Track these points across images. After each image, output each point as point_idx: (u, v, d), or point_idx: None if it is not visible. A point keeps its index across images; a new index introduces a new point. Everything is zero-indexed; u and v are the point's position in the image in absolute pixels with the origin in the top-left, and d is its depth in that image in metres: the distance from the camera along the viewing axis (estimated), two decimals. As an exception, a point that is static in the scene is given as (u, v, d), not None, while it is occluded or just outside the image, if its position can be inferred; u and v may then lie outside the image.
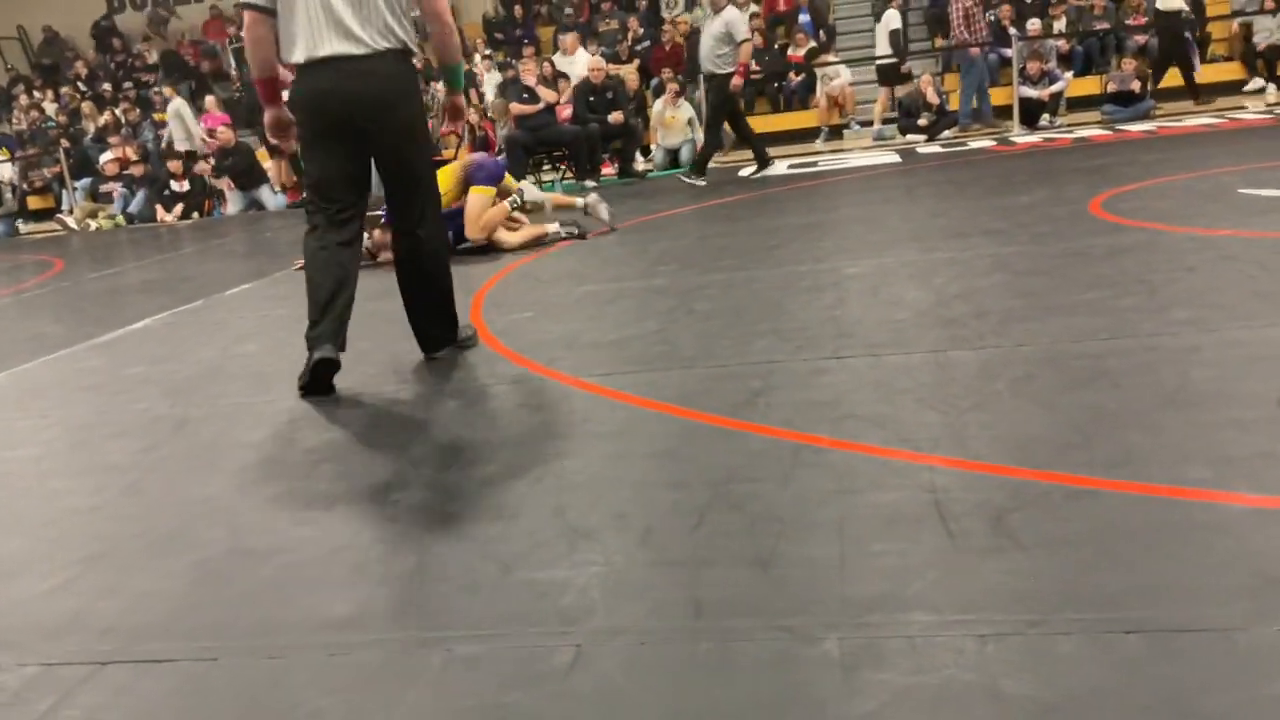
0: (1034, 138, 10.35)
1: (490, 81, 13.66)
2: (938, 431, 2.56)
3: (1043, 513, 2.06)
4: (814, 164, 10.30)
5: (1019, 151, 9.28)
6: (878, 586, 1.85)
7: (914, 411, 2.74)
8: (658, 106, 12.15)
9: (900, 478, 2.30)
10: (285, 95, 3.73)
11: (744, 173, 9.95)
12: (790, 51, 13.74)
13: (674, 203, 8.26)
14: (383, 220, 6.22)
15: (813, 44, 13.58)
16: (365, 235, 6.08)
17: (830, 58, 13.39)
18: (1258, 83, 11.94)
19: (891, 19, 12.43)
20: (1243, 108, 10.96)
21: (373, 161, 3.68)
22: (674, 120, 11.93)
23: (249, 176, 13.03)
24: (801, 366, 3.25)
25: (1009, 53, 12.06)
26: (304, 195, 3.73)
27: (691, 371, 3.34)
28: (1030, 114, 11.41)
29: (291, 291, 5.75)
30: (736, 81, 8.87)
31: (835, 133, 12.94)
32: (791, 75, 13.45)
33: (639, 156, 11.73)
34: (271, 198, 12.96)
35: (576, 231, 6.67)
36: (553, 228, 6.71)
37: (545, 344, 3.96)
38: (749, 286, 4.58)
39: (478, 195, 6.37)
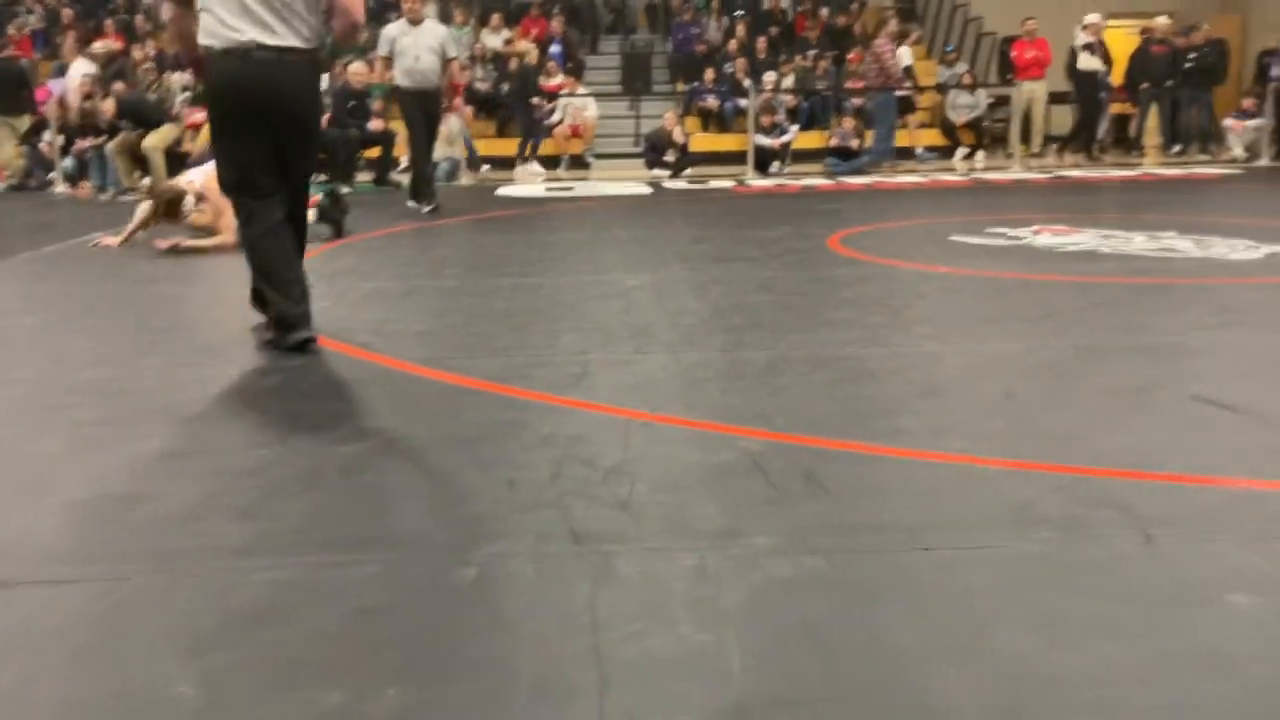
0: (768, 182, 11.31)
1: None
2: (742, 411, 2.99)
3: (843, 469, 2.51)
4: (569, 188, 10.76)
5: (756, 193, 10.15)
6: (720, 522, 2.22)
7: (719, 397, 3.16)
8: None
9: (723, 445, 2.70)
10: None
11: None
12: (541, 81, 14.21)
13: (435, 213, 8.43)
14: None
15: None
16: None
17: (580, 89, 13.97)
18: (964, 150, 13.53)
19: None
20: (951, 169, 12.43)
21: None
22: (441, 132, 12.04)
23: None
24: (611, 358, 3.61)
25: (745, 103, 13.08)
26: (226, 185, 3.83)
27: (511, 359, 3.62)
28: (763, 161, 12.42)
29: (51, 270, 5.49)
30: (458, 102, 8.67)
31: (577, 162, 13.46)
32: (545, 103, 13.91)
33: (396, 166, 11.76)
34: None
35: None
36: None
37: (352, 330, 4.10)
38: (540, 291, 4.90)
39: None
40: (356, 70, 11.16)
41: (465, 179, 11.64)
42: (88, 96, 11.24)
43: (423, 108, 8.29)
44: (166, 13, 3.68)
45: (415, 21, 8.16)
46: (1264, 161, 12.12)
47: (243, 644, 1.75)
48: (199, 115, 10.71)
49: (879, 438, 2.74)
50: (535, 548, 2.10)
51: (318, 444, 2.78)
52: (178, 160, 10.28)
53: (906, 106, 13.39)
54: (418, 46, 8.20)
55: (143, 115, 10.48)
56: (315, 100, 3.89)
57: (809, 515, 2.24)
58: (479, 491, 2.41)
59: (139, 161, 10.42)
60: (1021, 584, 1.92)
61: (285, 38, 3.65)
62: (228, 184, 3.81)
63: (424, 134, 8.45)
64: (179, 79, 12.33)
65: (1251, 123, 12.61)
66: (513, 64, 13.84)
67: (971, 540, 2.10)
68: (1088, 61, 12.76)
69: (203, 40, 3.67)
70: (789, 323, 4.14)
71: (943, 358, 3.56)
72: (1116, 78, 13.19)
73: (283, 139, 3.75)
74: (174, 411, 3.08)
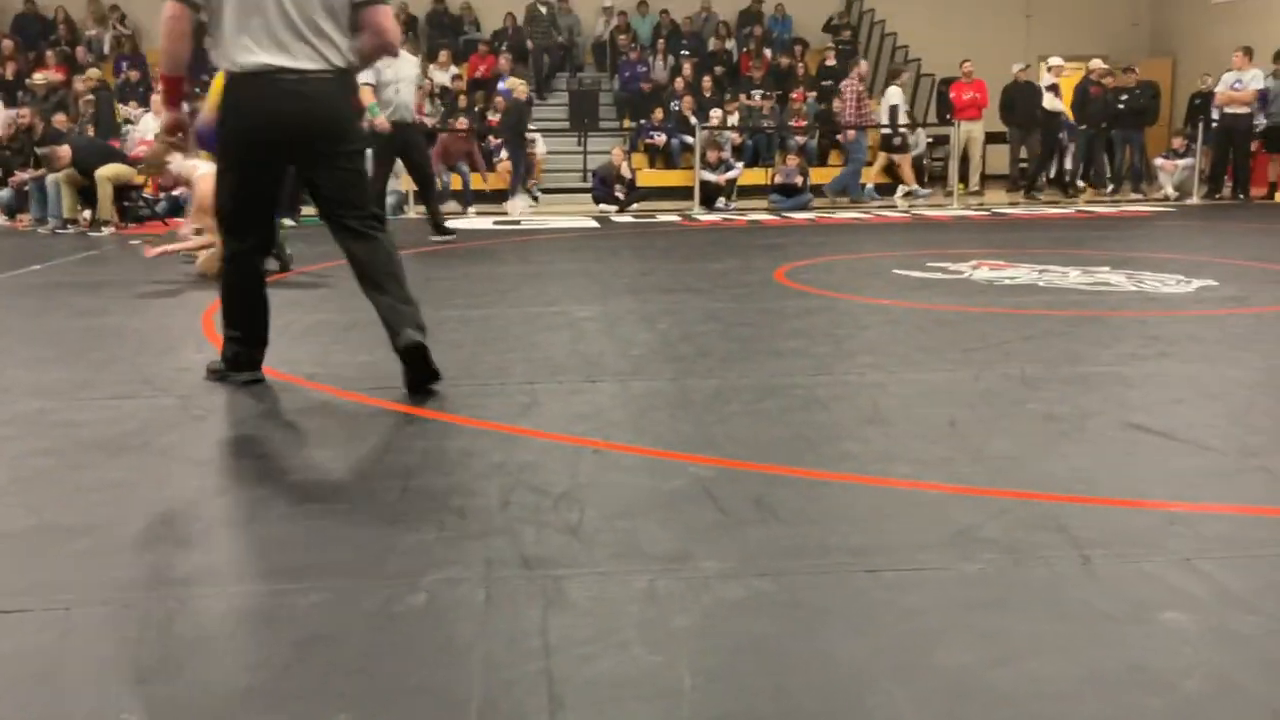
0: (714, 217, 11.43)
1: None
2: (692, 439, 3.02)
3: (792, 495, 2.54)
4: (517, 222, 10.79)
5: (703, 228, 10.25)
6: (671, 546, 2.24)
7: (669, 424, 3.19)
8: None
9: (673, 471, 2.72)
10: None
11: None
12: (489, 116, 14.27)
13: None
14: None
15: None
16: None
17: (529, 125, 14.04)
18: (903, 189, 13.78)
19: None
20: (893, 206, 12.64)
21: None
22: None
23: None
24: (560, 388, 3.62)
25: (691, 140, 13.24)
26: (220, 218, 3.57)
27: (459, 389, 3.61)
28: (709, 196, 12.56)
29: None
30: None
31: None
32: (491, 139, 13.96)
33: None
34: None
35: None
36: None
37: (296, 361, 4.07)
38: (489, 323, 4.91)
39: None
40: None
41: (412, 212, 11.62)
42: (28, 129, 11.08)
43: (401, 139, 8.31)
44: (167, 10, 3.30)
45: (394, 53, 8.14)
46: (1194, 200, 12.50)
47: (189, 673, 1.73)
48: (141, 149, 10.60)
49: (826, 464, 2.78)
50: (486, 574, 2.10)
51: (263, 474, 2.76)
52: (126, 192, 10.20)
53: (897, 145, 13.43)
54: (399, 78, 8.26)
55: (100, 163, 10.24)
56: (347, 126, 3.52)
57: (759, 539, 2.26)
58: (428, 519, 2.40)
59: (84, 194, 10.25)
60: (965, 604, 1.96)
61: (311, 61, 3.33)
62: (221, 216, 3.57)
63: (390, 167, 8.63)
64: (130, 111, 12.22)
65: (1181, 162, 13.02)
66: (498, 101, 13.90)
67: (916, 562, 2.14)
68: (1052, 102, 13.16)
69: (219, 61, 3.41)
70: (737, 352, 4.18)
71: (887, 386, 3.63)
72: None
73: (309, 173, 3.50)
74: (116, 443, 3.04)
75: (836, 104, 13.12)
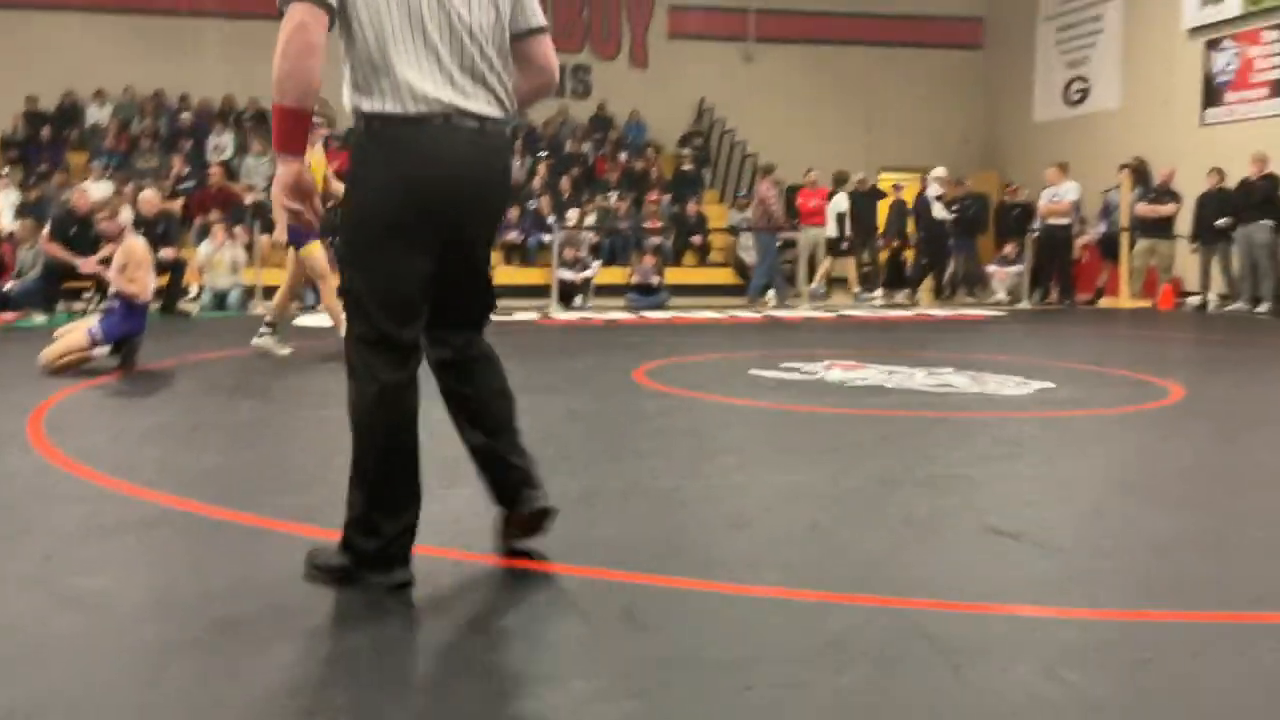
0: (572, 316, 11.47)
1: (6, 200, 12.54)
2: (556, 546, 2.92)
3: (661, 605, 2.48)
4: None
5: (561, 325, 10.26)
6: (537, 667, 2.14)
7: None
8: (204, 247, 11.85)
9: (537, 583, 2.62)
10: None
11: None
12: (343, 210, 14.08)
13: (227, 343, 8.10)
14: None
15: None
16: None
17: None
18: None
19: None
20: (745, 306, 12.94)
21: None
22: (221, 262, 11.71)
23: None
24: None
25: (548, 239, 13.33)
26: (351, 315, 2.54)
27: (311, 495, 3.44)
28: (567, 294, 12.61)
29: None
30: None
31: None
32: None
33: (183, 295, 11.30)
34: None
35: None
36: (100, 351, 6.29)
37: (132, 468, 3.82)
38: (344, 424, 4.70)
39: None
40: (148, 198, 10.73)
41: (262, 308, 11.27)
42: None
43: None
44: (295, 16, 2.28)
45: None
46: (1025, 305, 13.23)
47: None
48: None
49: (695, 571, 2.73)
50: (344, 702, 1.95)
51: (87, 599, 2.53)
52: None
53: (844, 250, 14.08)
54: None
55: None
56: (510, 197, 2.72)
57: (628, 655, 2.19)
58: (278, 644, 2.23)
59: None
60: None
61: (485, 104, 2.49)
62: (364, 327, 2.48)
63: None
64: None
65: (1012, 269, 13.79)
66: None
67: (792, 677, 2.09)
68: (939, 211, 13.82)
69: (359, 101, 2.43)
70: (600, 453, 4.13)
71: (749, 488, 3.62)
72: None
73: (466, 253, 2.60)
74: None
75: (758, 207, 13.38)
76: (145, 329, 6.42)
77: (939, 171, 14.30)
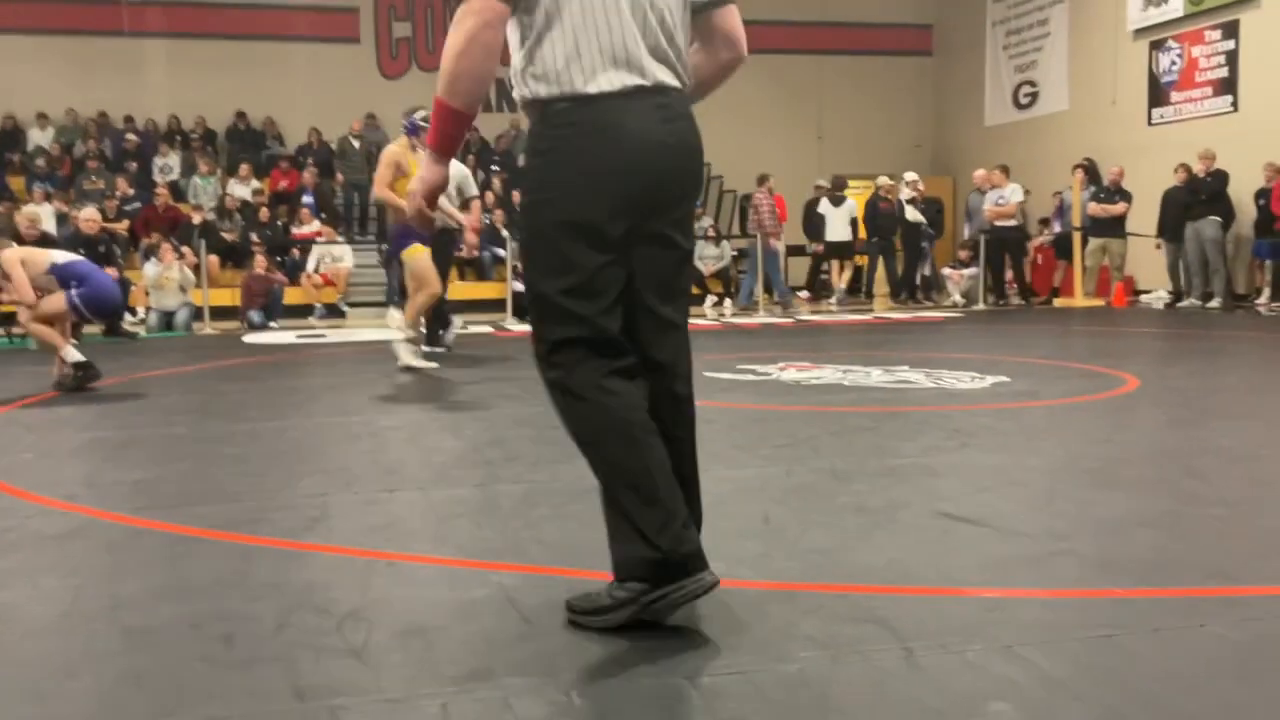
0: (526, 327, 11.31)
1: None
2: (496, 545, 2.81)
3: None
4: (322, 335, 10.39)
5: (516, 336, 10.12)
6: (470, 663, 2.01)
7: (472, 532, 2.97)
8: (150, 268, 11.61)
9: (474, 581, 2.50)
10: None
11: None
12: (294, 229, 13.88)
13: (172, 362, 7.90)
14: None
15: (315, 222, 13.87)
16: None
17: (338, 237, 13.72)
18: (713, 299, 14.07)
19: None
20: (703, 315, 12.86)
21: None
22: (169, 281, 11.47)
23: None
24: (354, 499, 3.35)
25: (503, 252, 13.19)
26: (540, 328, 2.25)
27: (241, 505, 3.29)
28: (523, 307, 12.48)
29: None
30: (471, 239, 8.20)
31: (333, 310, 13.06)
32: (295, 251, 13.54)
33: (128, 316, 11.05)
34: None
35: None
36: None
37: (57, 483, 3.65)
38: (282, 435, 4.57)
39: None
40: (88, 216, 10.49)
41: (210, 329, 11.05)
42: None
43: (442, 246, 7.51)
44: (475, 11, 2.05)
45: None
46: (980, 306, 13.26)
47: None
48: None
49: (638, 566, 2.62)
50: (251, 709, 1.82)
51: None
52: None
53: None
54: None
55: None
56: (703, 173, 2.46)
57: (564, 650, 2.07)
58: (189, 651, 2.09)
59: None
60: (788, 708, 1.82)
61: (671, 77, 2.23)
62: (556, 334, 2.19)
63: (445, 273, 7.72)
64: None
65: (967, 272, 13.83)
66: (303, 214, 13.54)
67: (735, 665, 1.98)
68: (914, 214, 13.81)
69: (533, 85, 2.17)
70: (548, 455, 4.01)
71: (700, 484, 3.51)
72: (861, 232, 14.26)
73: (661, 252, 2.28)
74: None
75: (751, 215, 13.36)
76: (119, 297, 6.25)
77: (911, 175, 14.34)
